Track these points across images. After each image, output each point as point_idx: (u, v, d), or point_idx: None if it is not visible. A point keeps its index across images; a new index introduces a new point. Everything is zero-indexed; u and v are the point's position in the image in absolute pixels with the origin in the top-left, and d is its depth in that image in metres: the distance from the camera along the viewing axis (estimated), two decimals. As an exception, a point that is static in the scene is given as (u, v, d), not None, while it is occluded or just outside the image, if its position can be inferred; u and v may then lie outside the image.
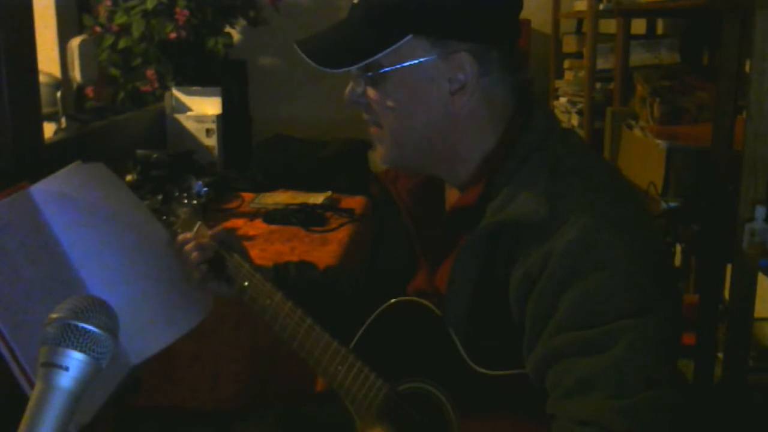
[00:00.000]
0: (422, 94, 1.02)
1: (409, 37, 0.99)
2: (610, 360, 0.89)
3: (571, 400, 0.91)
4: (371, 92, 1.04)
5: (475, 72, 1.00)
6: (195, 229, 1.33)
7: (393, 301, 1.09)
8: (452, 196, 1.13)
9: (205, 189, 1.42)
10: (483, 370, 1.01)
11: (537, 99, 1.11)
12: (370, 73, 1.02)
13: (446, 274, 1.05)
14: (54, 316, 0.69)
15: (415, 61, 1.00)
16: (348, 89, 1.07)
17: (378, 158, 1.10)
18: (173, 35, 2.78)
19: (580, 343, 0.91)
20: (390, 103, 1.03)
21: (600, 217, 0.93)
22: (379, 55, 0.99)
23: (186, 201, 1.40)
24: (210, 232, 1.30)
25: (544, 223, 0.94)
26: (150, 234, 1.35)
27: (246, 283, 1.24)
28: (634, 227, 0.96)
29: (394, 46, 0.99)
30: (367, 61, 1.00)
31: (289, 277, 1.33)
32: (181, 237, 1.29)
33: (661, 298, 0.94)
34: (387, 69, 1.01)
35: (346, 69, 1.02)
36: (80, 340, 0.68)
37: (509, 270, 0.97)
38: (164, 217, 1.40)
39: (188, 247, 1.27)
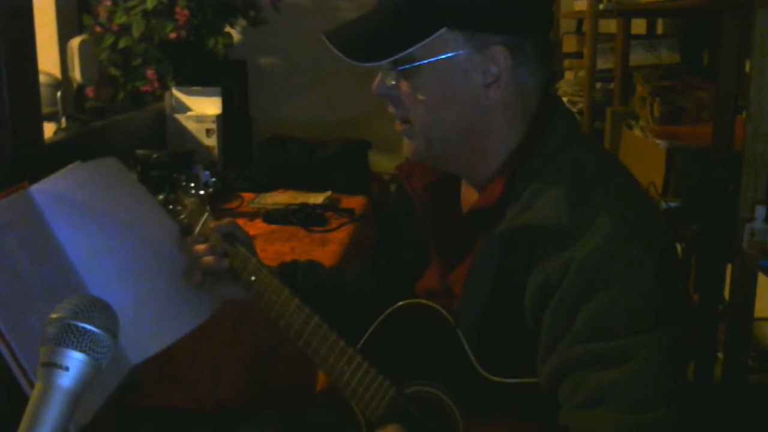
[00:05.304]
0: (455, 87, 1.00)
1: (444, 29, 0.96)
2: (626, 374, 0.88)
3: (585, 413, 0.90)
4: (402, 85, 1.01)
5: (509, 65, 0.98)
6: (202, 219, 1.31)
7: (402, 303, 1.08)
8: (468, 194, 1.12)
9: (213, 179, 1.40)
10: (492, 377, 0.99)
11: (558, 96, 1.09)
12: (401, 67, 0.99)
13: (461, 275, 1.04)
14: (54, 316, 0.69)
15: (449, 54, 0.98)
16: (376, 82, 1.04)
17: (406, 152, 1.08)
18: (173, 35, 2.78)
19: (596, 356, 0.90)
20: (421, 97, 1.00)
21: (621, 226, 0.92)
22: (413, 49, 0.97)
23: (193, 191, 1.39)
24: (214, 224, 1.28)
25: (565, 229, 0.93)
26: (156, 231, 1.34)
27: (253, 278, 1.22)
28: (655, 238, 0.95)
29: (428, 39, 0.96)
30: (400, 54, 0.97)
31: (295, 282, 1.32)
32: (196, 246, 1.27)
33: (677, 310, 0.93)
34: (420, 62, 0.98)
35: (378, 63, 0.99)
36: (80, 340, 0.68)
37: (527, 276, 0.96)
38: (171, 207, 1.38)
39: (200, 248, 1.25)
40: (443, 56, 0.98)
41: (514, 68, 0.99)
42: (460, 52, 0.98)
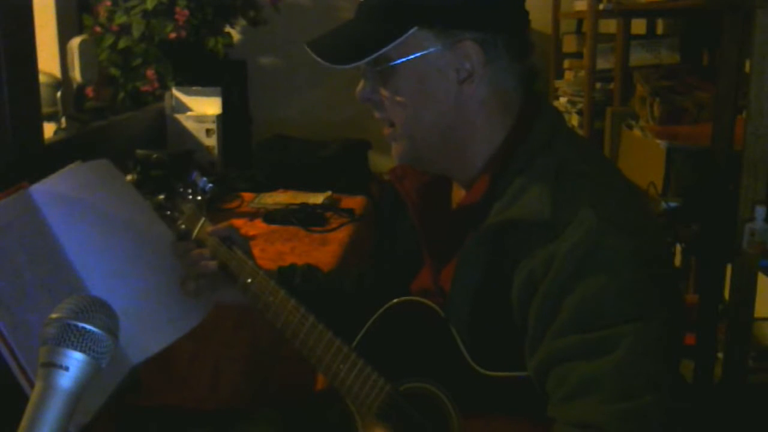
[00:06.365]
0: (431, 85, 1.02)
1: (415, 28, 0.99)
2: (611, 363, 0.89)
3: (572, 403, 0.90)
4: (381, 88, 1.04)
5: (481, 60, 1.00)
6: (199, 225, 1.32)
7: (396, 300, 1.09)
8: (458, 194, 1.13)
9: (210, 185, 1.41)
10: (485, 371, 1.00)
11: (541, 94, 1.11)
12: (378, 68, 1.03)
13: (451, 273, 1.05)
14: (54, 316, 0.69)
15: (422, 53, 1.00)
16: (359, 87, 1.08)
17: (393, 155, 1.10)
18: (173, 35, 2.78)
19: (582, 346, 0.91)
20: (400, 98, 1.03)
21: (605, 219, 0.93)
22: (386, 49, 1.00)
23: (190, 197, 1.39)
24: (212, 228, 1.29)
25: (549, 223, 0.94)
26: (153, 233, 1.35)
27: (249, 280, 1.23)
28: (639, 230, 0.96)
29: (399, 39, 0.99)
30: (374, 55, 1.00)
31: (293, 285, 1.33)
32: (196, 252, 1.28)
33: (663, 301, 0.94)
34: (395, 62, 1.01)
35: (354, 64, 1.02)
36: (80, 340, 0.68)
37: (513, 270, 0.97)
38: (168, 213, 1.39)
39: (197, 253, 1.26)
40: (416, 55, 1.01)
41: (487, 64, 1.01)
42: (432, 49, 1.00)
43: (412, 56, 1.00)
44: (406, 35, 0.99)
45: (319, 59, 1.01)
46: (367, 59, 1.01)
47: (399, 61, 1.01)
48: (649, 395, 0.88)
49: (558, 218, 0.94)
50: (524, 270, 0.96)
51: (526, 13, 1.06)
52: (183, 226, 1.35)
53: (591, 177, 1.00)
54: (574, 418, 0.90)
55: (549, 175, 0.99)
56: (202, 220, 1.33)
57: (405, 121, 1.05)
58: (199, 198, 1.39)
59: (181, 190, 1.40)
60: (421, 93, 1.03)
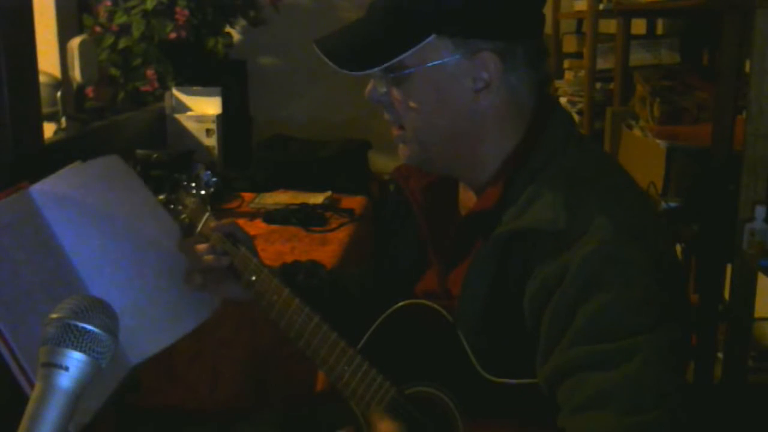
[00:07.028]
0: (446, 93, 1.00)
1: (432, 37, 0.97)
2: (624, 375, 0.88)
3: (584, 415, 0.89)
4: (394, 92, 1.02)
5: (500, 70, 0.98)
6: (203, 219, 1.31)
7: (402, 303, 1.08)
8: (466, 197, 1.12)
9: (214, 179, 1.40)
10: (492, 377, 0.99)
11: (554, 99, 1.10)
12: (392, 74, 1.00)
13: (460, 277, 1.04)
14: (54, 316, 0.69)
15: (439, 62, 0.98)
16: (369, 88, 1.05)
17: (400, 156, 1.08)
18: (173, 35, 2.78)
19: (595, 357, 0.89)
20: (413, 103, 1.01)
21: (619, 229, 0.92)
22: (402, 56, 0.97)
23: (194, 191, 1.39)
24: (215, 224, 1.28)
25: (563, 232, 0.93)
26: (157, 231, 1.34)
27: (253, 278, 1.22)
28: (652, 239, 0.95)
29: (417, 47, 0.97)
30: (389, 63, 0.98)
31: (297, 281, 1.31)
32: (200, 246, 1.26)
33: (675, 311, 0.93)
34: (410, 69, 0.99)
35: (368, 72, 1.00)
36: (80, 340, 0.68)
37: (525, 278, 0.96)
38: (171, 207, 1.38)
39: (200, 248, 1.25)
40: (433, 63, 0.98)
41: (505, 73, 0.99)
42: (450, 58, 0.98)
43: (428, 64, 0.98)
44: (423, 43, 0.97)
45: (330, 63, 0.99)
46: (382, 66, 0.99)
47: (415, 69, 0.98)
48: (660, 407, 0.87)
49: (572, 227, 0.93)
50: (537, 278, 0.94)
51: (544, 17, 1.05)
52: (187, 220, 1.34)
53: (603, 182, 0.99)
54: (585, 431, 0.89)
55: (561, 181, 0.97)
56: (207, 214, 1.32)
57: (417, 126, 1.03)
58: (203, 192, 1.38)
59: (185, 183, 1.39)
60: (436, 101, 1.00)
